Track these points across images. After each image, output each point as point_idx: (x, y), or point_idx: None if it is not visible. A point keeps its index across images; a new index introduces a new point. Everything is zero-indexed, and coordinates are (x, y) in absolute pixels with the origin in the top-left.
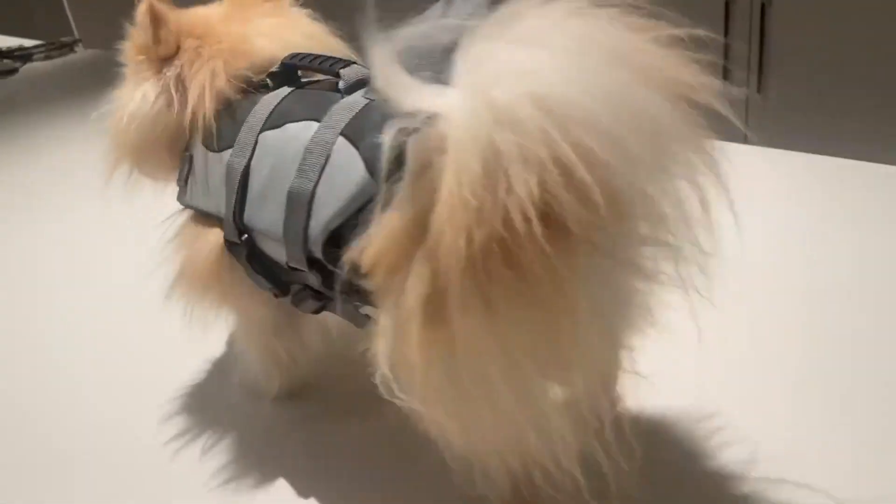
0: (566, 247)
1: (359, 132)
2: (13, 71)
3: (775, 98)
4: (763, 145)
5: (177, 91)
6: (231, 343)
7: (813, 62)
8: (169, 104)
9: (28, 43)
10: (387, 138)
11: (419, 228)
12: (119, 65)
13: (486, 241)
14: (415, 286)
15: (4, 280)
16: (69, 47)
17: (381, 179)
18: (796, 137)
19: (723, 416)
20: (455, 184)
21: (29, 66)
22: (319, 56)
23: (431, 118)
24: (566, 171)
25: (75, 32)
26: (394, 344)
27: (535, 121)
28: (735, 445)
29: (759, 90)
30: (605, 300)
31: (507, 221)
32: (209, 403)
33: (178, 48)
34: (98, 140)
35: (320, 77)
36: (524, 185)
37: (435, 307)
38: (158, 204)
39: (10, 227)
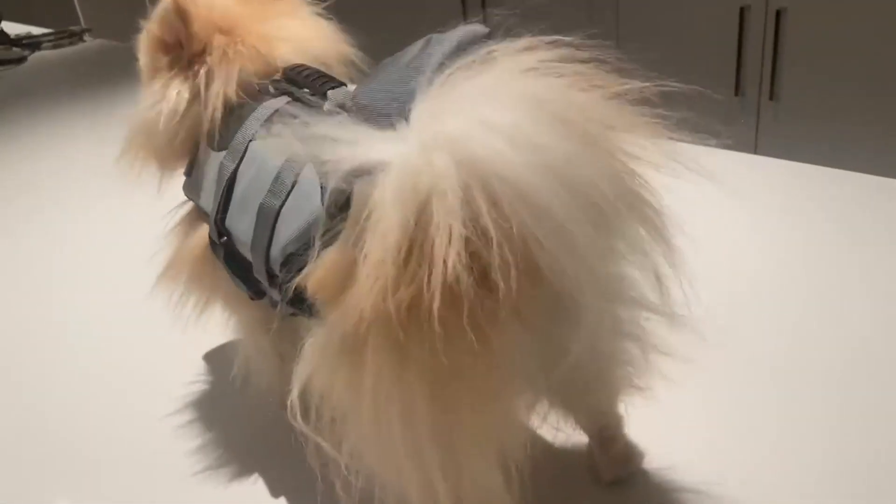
0: (487, 310)
1: (303, 136)
2: (22, 59)
3: (788, 106)
4: (773, 152)
5: (207, 90)
6: (233, 338)
7: (828, 70)
8: (202, 104)
9: (36, 31)
10: (333, 180)
11: (353, 270)
12: (128, 57)
13: (401, 300)
14: (337, 323)
15: (8, 270)
16: (78, 36)
17: (323, 217)
18: (807, 145)
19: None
20: (376, 244)
21: (37, 54)
22: (314, 73)
23: (379, 166)
24: (488, 247)
25: (81, 21)
26: (309, 370)
27: (464, 191)
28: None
29: (771, 97)
30: (526, 366)
31: (423, 285)
32: (209, 397)
33: (205, 44)
34: (106, 130)
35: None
36: (441, 257)
37: (351, 345)
38: (167, 197)
39: (17, 219)
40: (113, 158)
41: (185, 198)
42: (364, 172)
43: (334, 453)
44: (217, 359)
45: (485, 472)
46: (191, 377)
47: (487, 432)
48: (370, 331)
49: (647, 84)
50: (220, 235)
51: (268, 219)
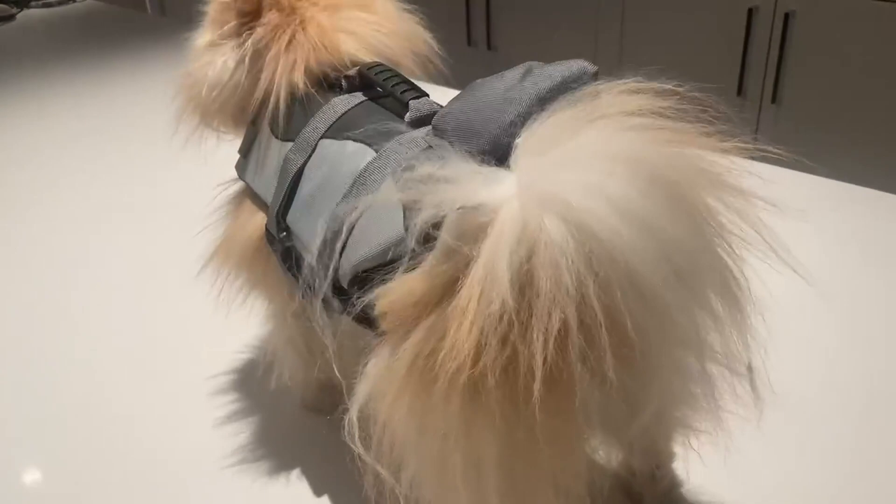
0: (569, 377)
1: (407, 182)
2: (10, 17)
3: (789, 109)
4: (771, 156)
5: (253, 66)
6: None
7: (832, 75)
8: (245, 76)
9: None
10: (425, 212)
11: (431, 301)
12: (117, 20)
13: (487, 365)
14: (409, 353)
15: (10, 259)
16: None
17: (409, 245)
18: (805, 151)
19: None
20: (477, 309)
21: (26, 12)
22: (396, 77)
23: (478, 208)
24: (587, 329)
25: None
26: (370, 393)
27: (577, 266)
28: None
29: (773, 100)
30: (602, 421)
31: (515, 356)
32: (242, 385)
33: (259, 8)
34: (91, 94)
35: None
36: (542, 331)
37: (419, 379)
38: (153, 162)
39: (10, 192)
40: (95, 123)
41: (236, 176)
42: (461, 207)
43: (393, 481)
44: (260, 342)
45: None
46: (231, 361)
47: (554, 480)
48: (450, 375)
49: (748, 145)
50: (280, 231)
51: (340, 230)
